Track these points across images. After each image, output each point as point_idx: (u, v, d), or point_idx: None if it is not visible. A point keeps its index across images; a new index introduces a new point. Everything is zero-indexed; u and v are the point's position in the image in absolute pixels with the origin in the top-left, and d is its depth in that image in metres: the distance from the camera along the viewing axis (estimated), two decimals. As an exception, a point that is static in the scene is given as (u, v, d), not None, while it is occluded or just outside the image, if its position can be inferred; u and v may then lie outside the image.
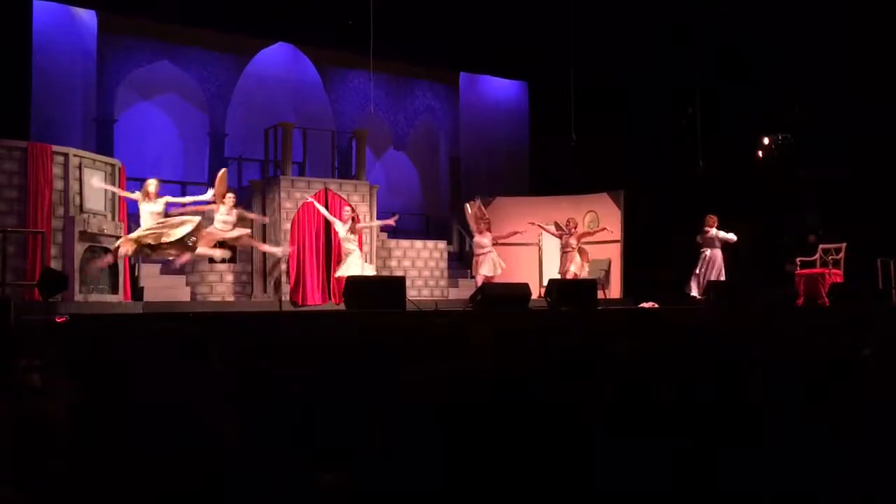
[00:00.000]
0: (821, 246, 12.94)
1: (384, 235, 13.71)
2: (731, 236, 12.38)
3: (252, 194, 12.48)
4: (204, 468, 1.35)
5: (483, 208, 12.40)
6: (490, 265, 11.88)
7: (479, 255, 12.05)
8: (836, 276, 12.43)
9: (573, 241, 12.45)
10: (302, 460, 1.48)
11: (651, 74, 14.48)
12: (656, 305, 11.83)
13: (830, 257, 12.68)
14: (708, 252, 12.36)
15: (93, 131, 12.79)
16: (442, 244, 14.15)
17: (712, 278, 12.15)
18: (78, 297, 9.26)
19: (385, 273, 12.95)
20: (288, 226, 11.98)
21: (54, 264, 9.20)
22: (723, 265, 12.38)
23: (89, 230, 9.56)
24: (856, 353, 2.29)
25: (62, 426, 1.46)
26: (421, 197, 16.71)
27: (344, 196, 12.51)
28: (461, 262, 15.17)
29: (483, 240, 11.98)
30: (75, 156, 9.80)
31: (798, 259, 13.06)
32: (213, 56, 13.86)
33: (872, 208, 12.88)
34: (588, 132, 13.07)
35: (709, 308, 11.18)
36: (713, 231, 12.33)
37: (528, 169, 16.90)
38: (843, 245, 12.59)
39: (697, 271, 12.37)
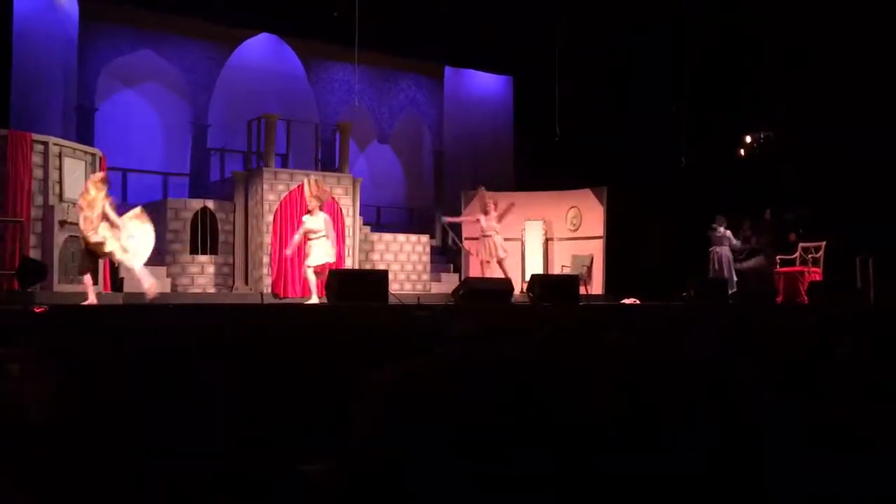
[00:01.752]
0: (800, 244, 13.07)
1: (367, 229, 13.69)
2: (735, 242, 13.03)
3: (235, 186, 12.42)
4: (193, 461, 1.35)
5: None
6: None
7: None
8: (815, 274, 12.57)
9: (495, 223, 12.29)
10: (287, 451, 1.49)
11: (635, 71, 14.54)
12: (638, 301, 11.91)
13: (810, 255, 12.82)
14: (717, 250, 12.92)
15: (73, 120, 12.66)
16: (425, 238, 14.15)
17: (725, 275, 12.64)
18: (57, 287, 9.19)
19: (368, 266, 12.94)
20: (270, 218, 11.94)
21: (33, 254, 9.11)
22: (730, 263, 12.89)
23: (69, 220, 9.48)
24: (832, 350, 2.31)
25: (41, 416, 1.45)
26: (404, 190, 16.69)
27: (327, 189, 12.46)
28: (444, 256, 15.19)
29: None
30: (55, 144, 9.70)
31: (778, 257, 13.19)
32: (196, 45, 13.76)
33: (852, 207, 13.01)
34: (572, 128, 13.11)
35: (689, 304, 11.27)
36: (721, 230, 12.84)
37: (512, 164, 16.92)
38: (823, 244, 12.72)
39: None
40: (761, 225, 13.38)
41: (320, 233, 10.33)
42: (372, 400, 1.21)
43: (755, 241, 13.23)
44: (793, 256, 12.99)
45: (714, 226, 12.97)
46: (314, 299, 9.95)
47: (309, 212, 10.40)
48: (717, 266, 12.91)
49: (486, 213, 12.25)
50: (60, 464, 1.32)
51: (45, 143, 9.56)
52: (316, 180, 10.90)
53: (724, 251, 12.93)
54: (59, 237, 9.42)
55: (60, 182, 9.63)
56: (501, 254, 12.15)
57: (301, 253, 12.00)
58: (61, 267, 9.40)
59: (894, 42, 12.72)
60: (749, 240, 13.21)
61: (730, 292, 12.54)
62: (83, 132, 12.39)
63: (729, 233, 12.97)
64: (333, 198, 12.44)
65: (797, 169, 13.97)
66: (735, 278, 13.00)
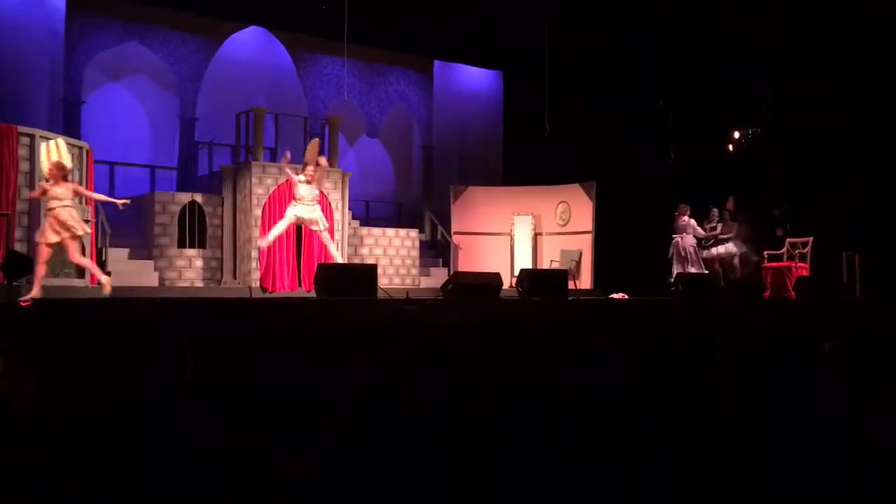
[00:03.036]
0: (788, 240, 13.14)
1: (356, 223, 13.66)
2: (700, 231, 12.77)
3: (223, 179, 12.36)
4: (167, 452, 1.34)
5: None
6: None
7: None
8: (802, 269, 12.64)
9: (317, 190, 10.74)
10: (268, 445, 1.48)
11: (624, 66, 14.56)
12: (626, 296, 11.94)
13: (797, 251, 12.89)
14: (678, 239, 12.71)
15: (60, 112, 12.56)
16: (414, 232, 14.14)
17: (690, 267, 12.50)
18: (43, 280, 9.11)
19: (357, 261, 12.91)
20: (259, 212, 11.90)
21: (19, 247, 9.05)
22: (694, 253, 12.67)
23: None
24: (819, 345, 2.32)
25: (26, 410, 1.44)
26: (393, 185, 16.66)
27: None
28: (433, 250, 15.18)
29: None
30: (42, 137, 9.62)
31: (766, 252, 13.25)
32: (184, 38, 13.67)
33: (839, 203, 13.09)
34: (561, 123, 13.11)
35: (676, 299, 11.30)
36: (685, 219, 12.67)
37: (501, 159, 16.92)
38: (810, 239, 12.80)
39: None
40: (727, 214, 13.22)
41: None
42: (343, 393, 1.22)
43: (721, 230, 13.07)
44: (780, 252, 13.07)
45: (676, 214, 12.83)
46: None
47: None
48: (682, 253, 12.72)
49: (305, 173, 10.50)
50: (44, 458, 1.32)
51: (32, 136, 9.48)
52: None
53: (689, 240, 12.77)
54: (46, 230, 9.34)
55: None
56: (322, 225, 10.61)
57: (283, 247, 11.97)
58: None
59: (879, 39, 12.78)
60: (714, 228, 13.02)
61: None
62: (70, 125, 12.30)
63: (693, 221, 12.82)
64: (323, 192, 12.41)
65: (784, 164, 14.04)
66: (702, 267, 12.83)
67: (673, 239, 12.87)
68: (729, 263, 13.19)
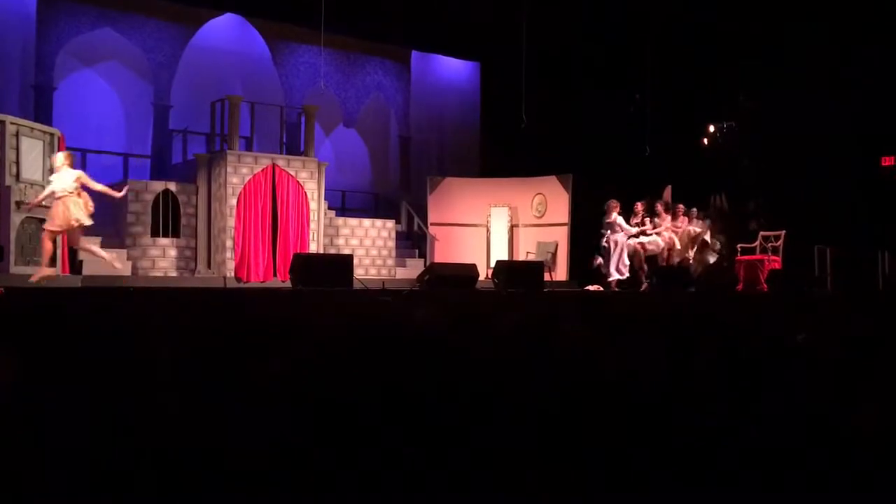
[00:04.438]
0: (761, 233, 13.29)
1: (332, 214, 13.61)
2: (630, 229, 12.31)
3: (197, 168, 12.25)
4: (148, 440, 1.33)
5: None
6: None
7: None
8: (774, 262, 12.79)
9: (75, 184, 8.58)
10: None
11: (602, 60, 14.61)
12: (601, 288, 12.02)
13: (770, 244, 13.04)
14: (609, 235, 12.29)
15: (31, 98, 12.36)
16: (390, 223, 14.11)
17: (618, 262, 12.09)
18: (14, 269, 9.00)
19: (332, 251, 12.87)
20: (234, 201, 11.81)
21: (-11, 235, 8.90)
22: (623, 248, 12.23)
23: (26, 200, 9.27)
24: (791, 337, 2.35)
25: (3, 398, 1.42)
26: (370, 175, 16.60)
27: (292, 173, 12.37)
28: (409, 241, 15.17)
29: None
30: (12, 123, 9.47)
31: (739, 245, 13.39)
32: (158, 24, 13.49)
33: (812, 197, 13.25)
34: (538, 116, 13.14)
35: (652, 291, 11.40)
36: (614, 215, 12.20)
37: (478, 150, 16.92)
38: (783, 233, 12.95)
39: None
40: (662, 206, 12.86)
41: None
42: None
43: (652, 225, 12.59)
44: (753, 245, 13.21)
45: (606, 210, 12.23)
46: None
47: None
48: (612, 249, 12.12)
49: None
50: (21, 446, 1.30)
51: (2, 123, 9.32)
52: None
53: (619, 237, 12.17)
54: (16, 218, 9.21)
55: (17, 162, 9.40)
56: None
57: (258, 237, 11.90)
58: (18, 248, 9.20)
59: (856, 33, 12.93)
60: (642, 224, 12.52)
61: (619, 278, 12.09)
62: (41, 111, 12.10)
63: (620, 219, 12.19)
64: (298, 181, 12.35)
65: (758, 158, 14.18)
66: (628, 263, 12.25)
67: (604, 236, 12.32)
68: (699, 253, 13.09)
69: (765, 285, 12.14)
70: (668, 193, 13.63)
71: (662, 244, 12.73)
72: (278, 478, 1.18)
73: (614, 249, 12.20)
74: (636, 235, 12.46)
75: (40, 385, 1.42)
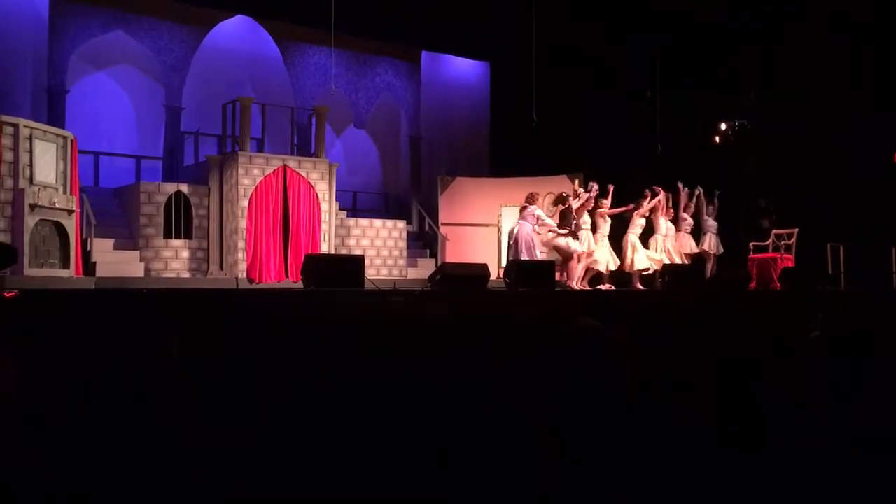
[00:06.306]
0: (773, 231, 13.23)
1: (343, 214, 13.63)
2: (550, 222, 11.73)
3: (209, 170, 12.30)
4: (154, 442, 1.33)
5: None
6: None
7: None
8: (787, 260, 12.73)
9: None
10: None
11: (612, 57, 14.57)
12: (612, 287, 11.98)
13: (783, 242, 12.98)
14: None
15: (44, 102, 12.44)
16: (401, 223, 14.11)
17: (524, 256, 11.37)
18: (28, 271, 9.05)
19: (344, 252, 12.89)
20: (245, 202, 11.85)
21: (3, 238, 8.96)
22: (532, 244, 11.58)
23: (40, 203, 9.33)
24: (805, 334, 2.34)
25: (13, 401, 1.43)
26: (380, 175, 16.62)
27: (303, 174, 12.40)
28: (420, 241, 15.18)
29: None
30: (25, 126, 9.52)
31: (752, 243, 13.33)
32: (169, 27, 13.56)
33: (825, 195, 13.17)
34: (549, 114, 13.11)
35: (663, 291, 11.36)
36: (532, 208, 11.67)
37: (488, 149, 16.91)
38: (795, 230, 12.88)
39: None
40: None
41: None
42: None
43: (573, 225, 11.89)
44: (766, 243, 13.15)
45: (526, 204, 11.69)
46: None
47: None
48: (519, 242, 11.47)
49: None
50: (34, 447, 1.31)
51: (16, 126, 9.38)
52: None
53: (526, 228, 11.52)
54: (30, 220, 9.27)
55: (31, 165, 9.46)
56: None
57: (270, 238, 11.93)
58: (31, 251, 9.26)
59: (865, 32, 12.85)
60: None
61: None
62: (54, 114, 12.19)
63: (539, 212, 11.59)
64: (309, 182, 12.38)
65: (770, 156, 14.11)
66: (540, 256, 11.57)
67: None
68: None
69: (778, 283, 12.08)
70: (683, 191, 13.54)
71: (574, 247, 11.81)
72: (280, 473, 1.18)
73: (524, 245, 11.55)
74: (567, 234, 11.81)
75: (52, 384, 1.43)
